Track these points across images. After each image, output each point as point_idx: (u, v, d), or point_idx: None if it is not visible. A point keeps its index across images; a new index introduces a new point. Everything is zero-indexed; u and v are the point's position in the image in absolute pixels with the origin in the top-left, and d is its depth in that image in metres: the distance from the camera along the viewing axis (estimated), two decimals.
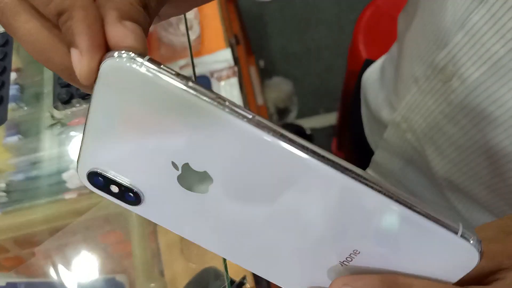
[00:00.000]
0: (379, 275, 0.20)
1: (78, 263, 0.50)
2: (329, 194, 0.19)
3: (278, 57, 1.63)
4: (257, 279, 0.56)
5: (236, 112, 0.18)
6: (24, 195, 0.50)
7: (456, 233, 0.18)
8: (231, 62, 0.77)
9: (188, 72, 0.75)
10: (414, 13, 0.49)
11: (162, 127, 0.19)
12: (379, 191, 0.18)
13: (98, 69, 0.19)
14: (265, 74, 1.58)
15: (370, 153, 0.70)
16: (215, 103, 0.18)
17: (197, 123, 0.18)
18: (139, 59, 0.18)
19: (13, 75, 0.53)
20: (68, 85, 0.47)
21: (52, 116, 0.49)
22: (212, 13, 0.81)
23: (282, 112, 1.52)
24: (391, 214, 0.18)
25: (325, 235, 0.20)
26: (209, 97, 0.18)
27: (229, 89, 0.75)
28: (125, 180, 0.21)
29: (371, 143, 0.73)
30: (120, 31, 0.19)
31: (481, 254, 0.19)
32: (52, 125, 0.49)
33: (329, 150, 1.44)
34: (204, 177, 0.20)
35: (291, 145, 0.18)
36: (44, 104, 0.50)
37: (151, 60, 0.18)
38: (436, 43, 0.44)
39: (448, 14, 0.41)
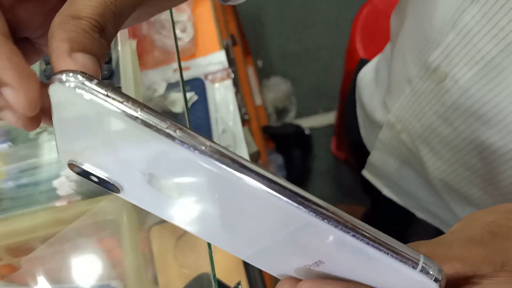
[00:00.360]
0: (341, 283, 0.21)
1: (71, 270, 0.49)
2: (285, 222, 0.19)
3: (276, 57, 1.63)
4: (252, 285, 0.55)
5: (172, 136, 0.18)
6: (15, 203, 0.50)
7: (414, 268, 0.18)
8: (225, 64, 0.76)
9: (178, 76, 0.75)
10: (406, 13, 0.48)
11: (119, 146, 0.19)
12: (334, 224, 0.18)
13: (39, 98, 0.19)
14: (263, 74, 1.57)
15: (367, 153, 0.70)
16: (159, 129, 0.18)
17: (146, 146, 0.18)
18: (87, 83, 0.18)
19: None
20: None
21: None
22: (206, 15, 0.81)
23: (280, 112, 1.52)
24: (349, 246, 0.18)
25: (285, 249, 0.21)
26: (154, 124, 0.18)
27: (224, 91, 0.74)
28: (101, 174, 0.21)
29: (366, 144, 0.72)
30: (68, 66, 0.19)
31: (442, 285, 0.19)
32: (38, 133, 0.49)
33: (328, 149, 1.42)
34: (171, 186, 0.20)
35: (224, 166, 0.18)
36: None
37: (99, 84, 0.18)
38: (428, 43, 0.44)
39: (440, 14, 0.40)
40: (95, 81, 0.18)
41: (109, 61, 0.44)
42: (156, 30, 0.76)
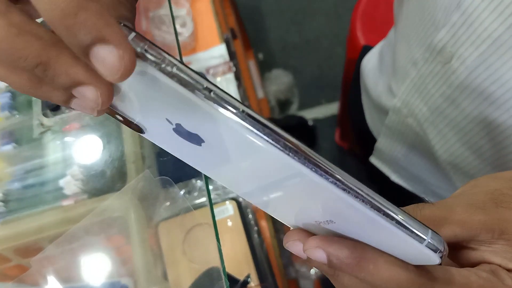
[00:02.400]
0: (349, 244, 0.21)
1: (81, 269, 0.49)
2: (301, 184, 0.20)
3: (277, 49, 1.62)
4: (261, 277, 0.55)
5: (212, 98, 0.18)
6: (22, 204, 0.50)
7: (421, 242, 0.19)
8: (226, 58, 0.76)
9: None
10: None
11: (153, 97, 0.20)
12: (349, 193, 0.19)
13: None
14: (264, 67, 1.57)
15: (373, 140, 0.70)
16: (195, 90, 0.18)
17: (184, 104, 0.19)
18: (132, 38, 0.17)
19: (3, 83, 0.53)
20: None
21: (42, 124, 0.48)
22: (205, 9, 0.80)
23: (283, 104, 1.51)
24: (360, 214, 0.19)
25: (298, 202, 0.22)
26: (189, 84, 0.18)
27: (226, 84, 0.74)
28: (129, 116, 0.22)
29: (373, 130, 0.72)
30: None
31: (443, 258, 0.20)
32: (42, 133, 0.49)
33: (332, 140, 1.42)
34: (196, 137, 0.21)
35: (256, 133, 0.19)
36: (33, 111, 0.49)
37: (139, 39, 0.17)
38: (433, 24, 0.43)
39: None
40: (133, 34, 0.17)
41: None
42: (156, 26, 0.75)
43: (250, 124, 0.18)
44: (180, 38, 0.76)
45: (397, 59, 0.54)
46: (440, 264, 0.20)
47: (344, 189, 0.18)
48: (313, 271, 0.94)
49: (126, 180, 0.47)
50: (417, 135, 0.56)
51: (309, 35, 1.62)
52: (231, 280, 0.52)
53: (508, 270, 0.23)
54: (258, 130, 0.18)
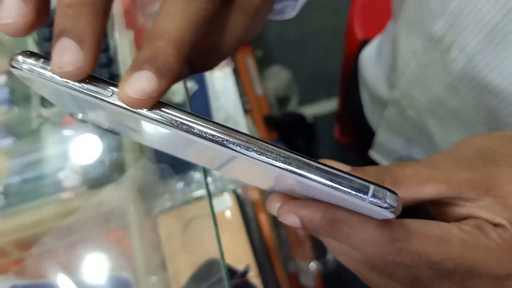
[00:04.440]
0: (321, 206, 0.21)
1: (80, 261, 0.50)
2: (238, 161, 0.19)
3: (275, 45, 1.62)
4: (261, 267, 0.55)
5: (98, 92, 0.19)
6: (21, 197, 0.50)
7: (363, 199, 0.18)
8: None
9: None
10: None
11: (85, 105, 0.20)
12: (275, 165, 0.18)
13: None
14: (263, 63, 1.57)
15: (372, 134, 0.70)
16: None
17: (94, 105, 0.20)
18: (31, 63, 0.19)
19: (2, 79, 0.53)
20: None
21: (40, 115, 0.49)
22: None
23: (282, 101, 1.52)
24: (301, 182, 0.19)
25: (261, 177, 0.22)
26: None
27: (224, 79, 0.74)
28: (96, 122, 0.24)
29: (372, 124, 0.72)
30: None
31: (397, 212, 0.19)
32: (41, 124, 0.49)
33: (331, 136, 1.42)
34: (141, 131, 0.22)
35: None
36: (32, 103, 0.49)
37: (45, 63, 0.19)
38: (432, 13, 0.43)
39: None
40: (41, 60, 0.19)
41: (106, 49, 0.44)
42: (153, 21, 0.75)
43: (132, 111, 0.18)
44: None
45: (396, 50, 0.54)
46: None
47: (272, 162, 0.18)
48: (313, 264, 0.94)
49: (124, 170, 0.48)
50: (417, 127, 0.56)
51: (306, 30, 1.62)
52: (230, 271, 0.52)
53: (494, 224, 0.22)
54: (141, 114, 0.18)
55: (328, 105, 1.51)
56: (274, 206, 0.23)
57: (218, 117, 0.71)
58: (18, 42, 0.52)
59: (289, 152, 0.18)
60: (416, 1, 0.46)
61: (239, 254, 0.54)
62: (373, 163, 0.72)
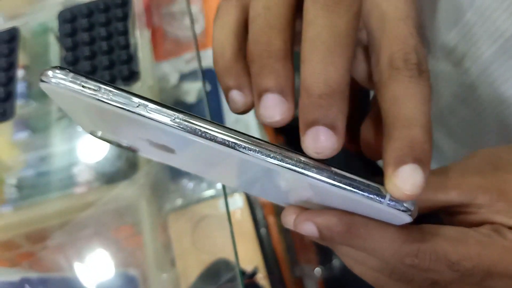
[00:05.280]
0: (337, 212, 0.21)
1: (90, 256, 0.50)
2: (264, 172, 0.20)
3: None
4: (269, 269, 0.55)
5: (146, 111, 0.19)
6: (35, 191, 0.51)
7: (381, 202, 0.19)
8: None
9: (194, 65, 0.75)
10: None
11: (111, 120, 0.22)
12: (296, 169, 0.19)
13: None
14: None
15: None
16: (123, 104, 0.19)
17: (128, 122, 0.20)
18: (63, 76, 0.20)
19: (21, 73, 0.53)
20: None
21: (60, 109, 0.49)
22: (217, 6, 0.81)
23: None
24: (321, 188, 0.19)
25: (278, 189, 0.22)
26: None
27: None
28: (115, 139, 0.24)
29: None
30: None
31: (413, 215, 0.19)
32: (60, 118, 0.49)
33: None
34: (166, 148, 0.22)
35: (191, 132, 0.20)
36: (50, 99, 0.50)
37: (74, 77, 0.20)
38: (445, 23, 0.43)
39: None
40: (71, 74, 0.20)
41: (127, 46, 0.45)
42: (168, 22, 0.76)
43: (183, 129, 0.19)
44: (191, 34, 0.77)
45: None
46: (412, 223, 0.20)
47: (293, 168, 0.19)
48: (318, 270, 0.94)
49: (138, 167, 0.48)
50: None
51: None
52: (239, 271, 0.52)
53: (510, 227, 0.22)
54: (192, 132, 0.19)
55: None
56: (290, 218, 0.23)
57: (229, 117, 0.71)
58: (39, 38, 0.53)
59: (308, 158, 0.19)
60: (428, 11, 0.46)
61: (248, 255, 0.55)
62: (380, 172, 0.71)
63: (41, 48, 0.51)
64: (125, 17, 0.47)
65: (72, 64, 0.46)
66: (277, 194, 0.24)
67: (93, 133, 0.25)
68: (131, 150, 0.25)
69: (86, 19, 0.48)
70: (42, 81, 0.20)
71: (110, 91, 0.19)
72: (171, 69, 0.72)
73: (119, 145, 0.25)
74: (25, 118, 0.52)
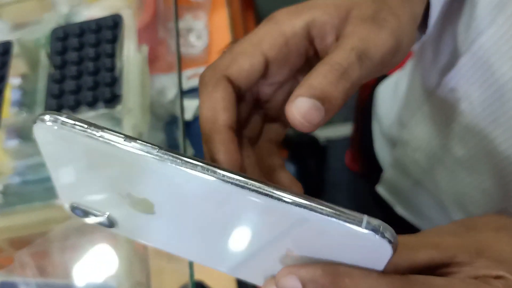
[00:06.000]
0: (320, 263, 0.21)
1: (69, 265, 0.51)
2: (237, 212, 0.21)
3: None
4: None
5: (139, 147, 0.20)
6: (20, 198, 0.52)
7: (359, 225, 0.19)
8: None
9: (195, 82, 0.76)
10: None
11: (96, 169, 0.22)
12: (273, 197, 0.19)
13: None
14: None
15: (381, 169, 0.69)
16: (122, 144, 0.20)
17: (117, 164, 0.21)
18: (60, 119, 0.21)
19: (17, 81, 0.55)
20: (58, 96, 0.48)
21: None
22: (222, 23, 0.82)
23: None
24: (295, 219, 0.19)
25: (252, 247, 0.22)
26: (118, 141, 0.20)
27: None
28: (95, 208, 0.25)
29: (380, 159, 0.71)
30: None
31: (394, 244, 0.19)
32: None
33: (343, 162, 1.40)
34: (146, 202, 0.22)
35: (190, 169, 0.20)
36: (36, 113, 0.51)
37: (68, 118, 0.21)
38: (445, 63, 0.44)
39: (459, 35, 0.40)
40: (65, 115, 0.21)
41: (112, 69, 0.46)
42: (173, 37, 0.77)
43: (170, 161, 0.20)
44: (194, 51, 0.78)
45: (410, 91, 0.54)
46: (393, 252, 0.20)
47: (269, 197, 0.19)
48: None
49: None
50: (424, 171, 0.55)
51: None
52: None
53: (495, 277, 0.22)
54: (178, 163, 0.20)
55: (343, 129, 1.50)
56: (271, 283, 0.22)
57: None
58: (31, 53, 0.54)
59: (291, 193, 0.19)
60: (432, 49, 0.46)
61: (222, 279, 0.55)
62: (380, 198, 0.71)
63: (32, 63, 0.52)
64: (114, 40, 0.48)
65: (58, 82, 0.48)
66: (258, 264, 0.23)
67: (72, 206, 0.25)
68: (107, 226, 0.25)
69: (77, 38, 0.49)
70: (40, 122, 0.21)
71: (107, 129, 0.21)
72: (171, 84, 0.73)
73: (96, 218, 0.25)
74: (16, 126, 0.53)
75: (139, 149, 0.20)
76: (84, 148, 0.21)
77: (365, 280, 0.21)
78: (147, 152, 0.20)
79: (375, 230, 0.19)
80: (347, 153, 1.44)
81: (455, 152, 0.47)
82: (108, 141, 0.20)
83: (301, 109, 0.23)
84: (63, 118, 0.21)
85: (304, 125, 0.23)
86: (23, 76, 0.56)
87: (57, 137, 0.21)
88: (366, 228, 0.19)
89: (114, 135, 0.20)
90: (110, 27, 0.49)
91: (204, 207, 0.21)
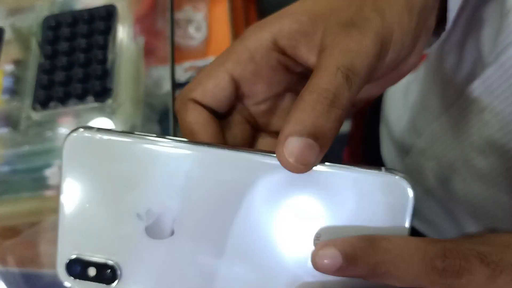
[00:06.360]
0: (354, 236, 0.21)
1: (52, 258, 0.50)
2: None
3: None
4: None
5: (170, 141, 0.22)
6: (8, 187, 0.51)
7: (379, 170, 0.22)
8: None
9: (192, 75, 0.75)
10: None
11: (121, 181, 0.22)
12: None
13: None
14: None
15: None
16: (153, 140, 0.22)
17: (146, 164, 0.22)
18: (88, 130, 0.22)
19: (10, 67, 0.54)
20: (48, 87, 0.47)
21: (29, 117, 0.49)
22: (222, 16, 0.81)
23: None
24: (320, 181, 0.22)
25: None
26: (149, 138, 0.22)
27: None
28: (100, 257, 0.23)
29: (387, 164, 0.70)
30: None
31: (412, 186, 0.21)
32: (28, 127, 0.50)
33: (340, 159, 1.41)
34: (166, 219, 0.22)
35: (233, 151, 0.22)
36: (24, 104, 0.50)
37: (100, 129, 0.22)
38: (470, 73, 0.42)
39: (485, 44, 0.39)
40: (95, 128, 0.23)
41: (104, 61, 0.45)
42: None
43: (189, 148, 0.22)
44: (193, 42, 0.77)
45: (428, 98, 0.52)
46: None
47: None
48: None
49: None
50: (437, 180, 0.54)
51: None
52: None
53: None
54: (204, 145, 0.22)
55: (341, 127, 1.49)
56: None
57: None
58: (27, 36, 0.52)
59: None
60: (454, 56, 0.44)
61: None
62: None
63: (24, 51, 0.51)
64: (107, 31, 0.47)
65: (48, 73, 0.46)
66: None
67: (70, 261, 0.23)
68: (109, 280, 0.23)
69: (69, 28, 0.48)
70: (74, 133, 0.22)
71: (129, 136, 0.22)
72: (167, 75, 0.71)
73: (97, 272, 0.23)
74: (7, 114, 0.52)
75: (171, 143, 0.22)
76: (117, 153, 0.22)
77: (401, 241, 0.21)
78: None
79: (392, 172, 0.21)
80: (345, 150, 1.43)
81: (474, 164, 0.45)
82: (145, 136, 0.22)
83: (293, 151, 0.20)
84: (97, 127, 0.22)
85: (299, 168, 0.21)
86: (16, 63, 0.55)
87: (92, 145, 0.22)
88: (385, 171, 0.22)
89: (147, 134, 0.22)
90: (103, 17, 0.48)
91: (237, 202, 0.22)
